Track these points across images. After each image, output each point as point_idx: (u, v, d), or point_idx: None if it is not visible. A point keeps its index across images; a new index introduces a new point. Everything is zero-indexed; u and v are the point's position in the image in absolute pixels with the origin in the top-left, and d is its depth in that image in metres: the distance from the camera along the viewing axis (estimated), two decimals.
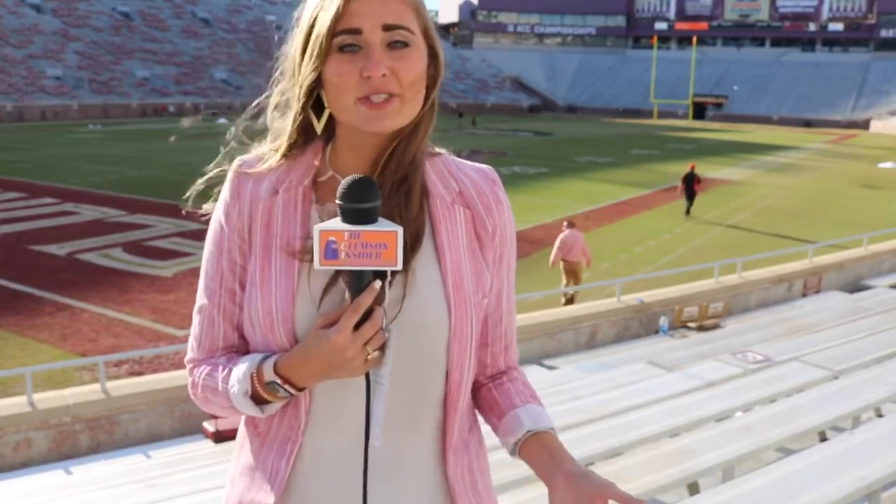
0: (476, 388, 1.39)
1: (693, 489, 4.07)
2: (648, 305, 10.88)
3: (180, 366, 8.77)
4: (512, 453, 1.30)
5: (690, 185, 19.56)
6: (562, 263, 12.03)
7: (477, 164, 1.34)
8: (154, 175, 24.41)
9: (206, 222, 1.37)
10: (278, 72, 1.28)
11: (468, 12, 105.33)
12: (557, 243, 12.07)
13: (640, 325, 10.81)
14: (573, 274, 12.05)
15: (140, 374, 8.54)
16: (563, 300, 11.69)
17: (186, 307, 11.08)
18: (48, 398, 7.13)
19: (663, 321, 10.56)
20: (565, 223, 12.51)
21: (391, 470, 1.24)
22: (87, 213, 18.13)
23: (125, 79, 60.35)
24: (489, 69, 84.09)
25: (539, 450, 1.25)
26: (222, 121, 52.34)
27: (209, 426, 7.05)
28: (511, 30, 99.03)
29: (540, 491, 3.74)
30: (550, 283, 12.30)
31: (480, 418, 1.40)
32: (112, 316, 10.78)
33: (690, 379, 6.30)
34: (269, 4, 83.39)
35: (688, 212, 19.74)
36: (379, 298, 1.10)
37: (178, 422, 7.39)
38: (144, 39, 67.99)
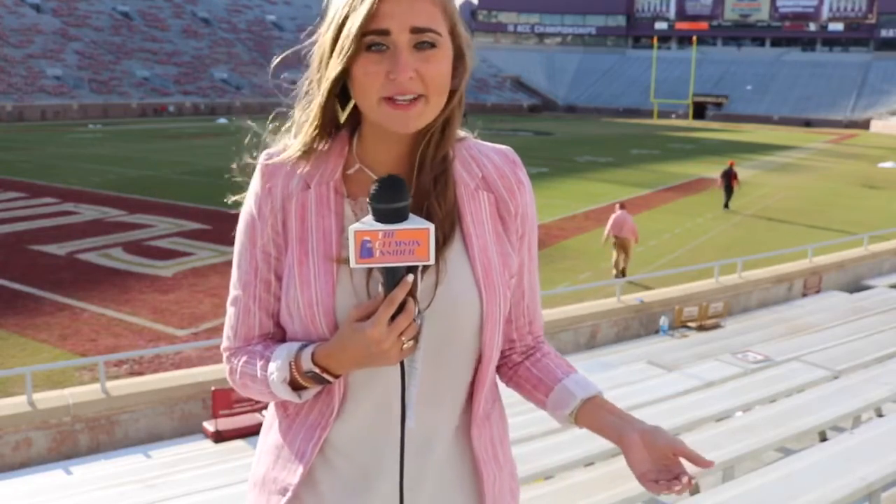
0: (513, 367, 1.44)
1: (693, 489, 4.07)
2: (648, 305, 10.89)
3: (180, 366, 8.78)
4: (568, 423, 1.35)
5: (728, 180, 20.85)
6: (613, 239, 13.50)
7: (497, 146, 1.38)
8: (154, 175, 24.41)
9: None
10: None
11: (468, 12, 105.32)
12: (610, 222, 13.58)
13: (640, 325, 10.81)
14: (623, 249, 13.50)
15: (140, 374, 8.54)
16: (615, 272, 13.36)
17: (186, 307, 11.15)
18: (48, 398, 7.13)
19: (663, 321, 10.57)
20: (618, 205, 14.11)
21: (422, 449, 1.29)
22: (87, 213, 18.11)
23: (125, 79, 60.31)
24: (489, 69, 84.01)
25: (600, 413, 1.32)
26: (222, 120, 52.37)
27: (209, 426, 7.06)
28: (511, 29, 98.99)
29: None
30: (551, 282, 12.30)
31: (503, 391, 1.44)
32: (112, 316, 10.77)
33: (690, 379, 6.30)
34: (269, 4, 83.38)
35: (726, 205, 20.97)
36: (412, 290, 1.15)
37: (178, 422, 7.40)
38: (144, 39, 67.95)
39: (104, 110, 54.85)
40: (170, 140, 37.53)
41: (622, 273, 13.29)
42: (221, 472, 5.37)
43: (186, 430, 7.36)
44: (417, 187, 1.24)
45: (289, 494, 1.30)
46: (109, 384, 7.39)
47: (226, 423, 6.96)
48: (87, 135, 40.77)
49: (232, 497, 4.33)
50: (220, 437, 6.91)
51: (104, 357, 7.77)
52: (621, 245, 13.45)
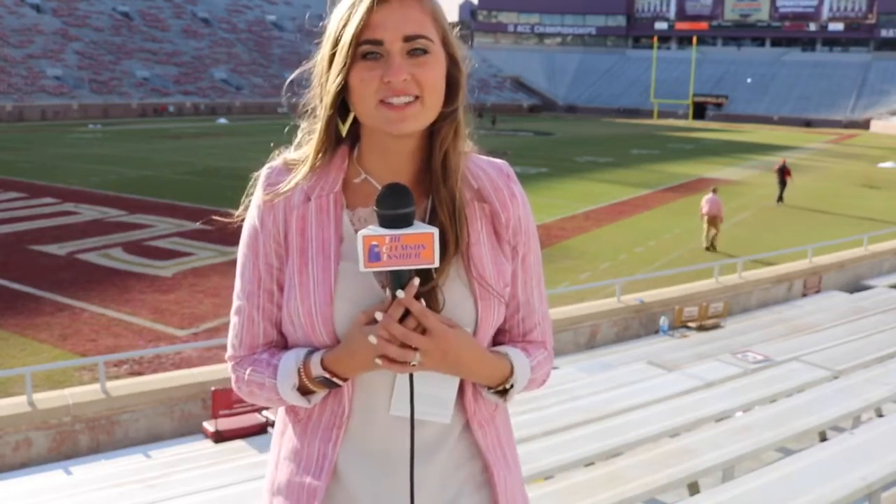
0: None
1: (693, 489, 4.07)
2: (648, 305, 10.88)
3: (180, 366, 8.78)
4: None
5: (782, 175, 22.68)
6: (706, 217, 16.25)
7: (492, 160, 1.41)
8: (154, 175, 24.40)
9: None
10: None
11: (468, 12, 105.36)
12: (704, 204, 16.44)
13: (640, 325, 10.81)
14: (713, 224, 16.24)
15: (140, 374, 8.54)
16: (706, 245, 16.11)
17: (186, 307, 11.15)
18: (48, 398, 7.13)
19: (663, 321, 10.57)
20: (712, 189, 17.24)
21: (433, 450, 1.31)
22: (87, 213, 18.11)
23: (125, 79, 60.28)
24: (489, 69, 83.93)
25: None
26: (222, 121, 52.35)
27: (209, 426, 7.06)
28: (511, 30, 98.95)
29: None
30: (551, 282, 12.31)
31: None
32: (112, 316, 10.77)
33: (690, 379, 6.30)
34: (269, 4, 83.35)
35: (780, 199, 22.54)
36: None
37: (178, 422, 7.40)
38: (144, 39, 67.93)
39: (104, 110, 54.84)
40: (170, 140, 37.52)
41: (713, 245, 15.98)
42: (221, 472, 5.36)
43: (186, 430, 7.36)
44: (434, 196, 1.28)
45: (321, 495, 1.31)
46: (109, 384, 7.39)
47: (226, 423, 6.96)
48: (87, 135, 40.76)
49: (232, 497, 4.32)
50: (220, 437, 6.90)
51: (104, 357, 7.76)
52: (710, 221, 16.10)
